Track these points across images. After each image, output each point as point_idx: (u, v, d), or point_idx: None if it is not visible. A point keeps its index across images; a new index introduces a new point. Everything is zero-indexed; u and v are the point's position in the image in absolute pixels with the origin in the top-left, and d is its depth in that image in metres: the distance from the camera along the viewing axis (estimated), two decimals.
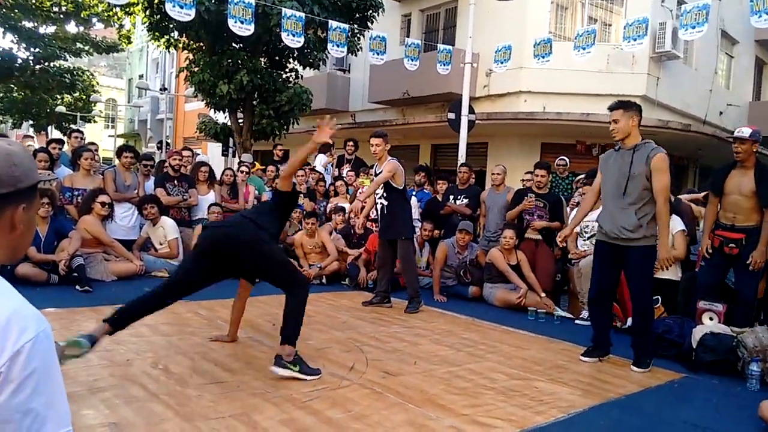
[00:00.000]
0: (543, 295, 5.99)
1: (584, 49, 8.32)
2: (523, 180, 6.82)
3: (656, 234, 4.04)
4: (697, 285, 4.86)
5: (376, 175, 5.77)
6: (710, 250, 4.79)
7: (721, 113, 14.26)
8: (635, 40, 7.79)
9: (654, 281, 5.18)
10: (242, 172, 8.22)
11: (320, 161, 9.51)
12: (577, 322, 5.61)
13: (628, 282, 4.28)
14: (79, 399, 2.78)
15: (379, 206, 5.80)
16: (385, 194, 5.68)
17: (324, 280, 6.85)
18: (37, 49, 20.52)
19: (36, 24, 20.28)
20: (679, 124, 11.66)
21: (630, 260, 4.07)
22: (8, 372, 0.96)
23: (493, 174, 7.16)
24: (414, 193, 8.07)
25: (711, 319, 4.53)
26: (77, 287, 5.47)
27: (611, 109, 4.23)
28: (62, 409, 1.04)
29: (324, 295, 6.21)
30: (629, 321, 5.27)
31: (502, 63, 9.71)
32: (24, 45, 20.35)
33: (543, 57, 8.98)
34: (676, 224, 5.30)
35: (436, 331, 4.87)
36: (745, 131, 4.61)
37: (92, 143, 8.08)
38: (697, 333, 4.27)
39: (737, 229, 4.59)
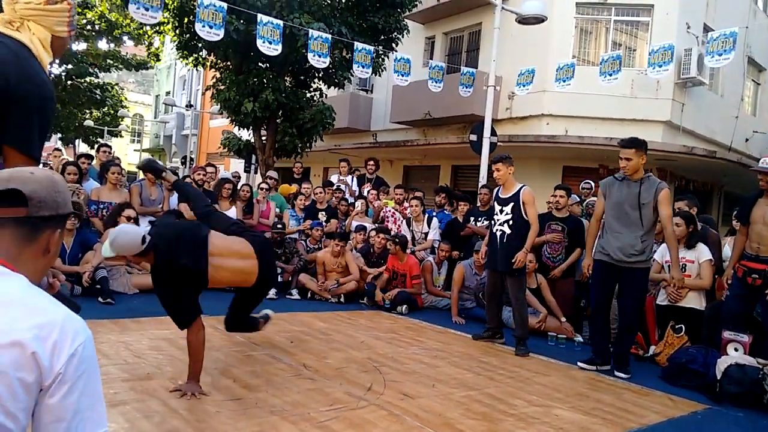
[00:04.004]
0: (563, 320, 5.91)
1: (611, 75, 8.31)
2: (548, 203, 6.77)
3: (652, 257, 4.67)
4: (723, 315, 4.77)
5: (497, 200, 5.31)
6: (729, 281, 4.75)
7: (747, 140, 14.08)
8: (661, 66, 7.76)
9: (678, 310, 5.15)
10: (262, 189, 8.27)
11: (336, 179, 9.60)
12: None
13: (622, 298, 4.72)
14: None
15: (498, 233, 5.22)
16: (510, 222, 5.17)
17: (342, 299, 6.85)
18: (70, 66, 21.05)
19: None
20: (704, 151, 11.53)
21: (628, 280, 4.56)
22: (65, 373, 1.05)
23: None
24: (434, 214, 8.07)
25: (736, 350, 4.43)
26: (100, 299, 5.54)
27: (624, 146, 4.62)
28: (101, 411, 1.12)
29: (341, 314, 6.21)
30: (652, 349, 5.21)
31: (524, 86, 9.74)
32: (57, 61, 20.92)
33: (564, 81, 8.99)
34: (704, 253, 5.22)
35: (454, 353, 4.83)
36: None
37: (116, 158, 8.25)
38: (722, 364, 4.18)
39: (761, 259, 4.49)
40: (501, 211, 5.24)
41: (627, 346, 4.71)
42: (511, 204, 5.18)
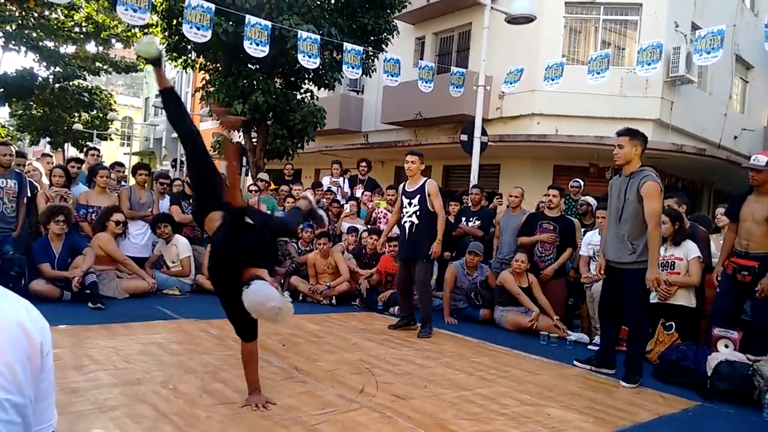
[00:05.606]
0: (556, 318, 5.92)
1: (599, 73, 8.35)
2: (541, 202, 6.80)
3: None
4: (713, 312, 4.80)
5: (404, 194, 5.63)
6: (719, 278, 4.76)
7: (735, 138, 14.18)
8: (649, 65, 7.80)
9: (668, 307, 5.16)
10: (251, 191, 8.24)
11: (327, 181, 9.56)
12: (590, 347, 5.52)
13: (624, 301, 4.45)
14: (89, 417, 2.78)
15: (407, 225, 5.56)
16: (417, 213, 5.50)
17: (334, 301, 6.83)
18: (58, 68, 20.87)
19: (57, 44, 20.67)
20: (694, 149, 11.60)
21: (624, 282, 4.36)
22: (47, 356, 1.12)
23: (510, 196, 7.13)
24: None
25: (726, 346, 4.46)
26: (89, 304, 5.49)
27: (619, 134, 4.46)
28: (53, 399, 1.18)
29: (333, 316, 6.19)
30: None
31: (511, 84, 9.75)
32: (44, 64, 20.72)
33: (553, 80, 9.02)
34: (692, 250, 5.23)
35: (446, 354, 4.83)
36: (761, 159, 4.49)
37: (119, 163, 8.21)
38: (713, 360, 4.20)
39: (751, 256, 4.51)
40: (409, 204, 5.57)
41: (631, 354, 4.34)
42: (418, 196, 5.51)
